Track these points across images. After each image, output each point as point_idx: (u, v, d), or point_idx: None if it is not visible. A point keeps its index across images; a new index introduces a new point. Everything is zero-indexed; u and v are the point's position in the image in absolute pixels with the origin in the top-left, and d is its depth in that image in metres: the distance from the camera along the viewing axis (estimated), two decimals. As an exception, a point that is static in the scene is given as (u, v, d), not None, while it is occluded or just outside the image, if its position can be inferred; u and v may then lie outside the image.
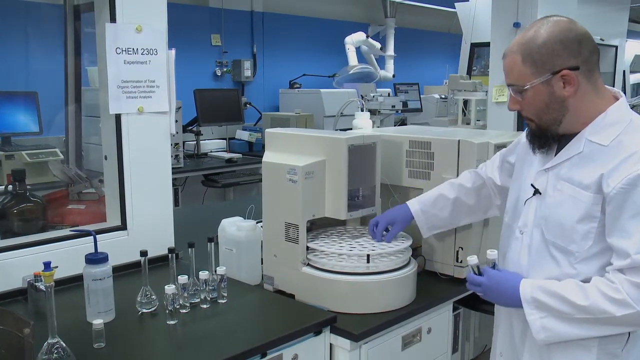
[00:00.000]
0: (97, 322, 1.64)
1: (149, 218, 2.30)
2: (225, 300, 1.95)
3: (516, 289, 1.56)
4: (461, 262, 2.17)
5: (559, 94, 1.51)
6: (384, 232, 2.02)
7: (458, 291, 2.16)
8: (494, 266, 1.66)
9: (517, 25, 4.25)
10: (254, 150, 5.80)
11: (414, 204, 2.04)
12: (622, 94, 1.59)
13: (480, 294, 1.67)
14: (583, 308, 1.47)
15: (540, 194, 1.62)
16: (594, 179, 1.49)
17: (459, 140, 2.15)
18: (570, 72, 1.48)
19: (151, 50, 2.22)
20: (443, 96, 7.15)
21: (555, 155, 1.60)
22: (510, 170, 1.85)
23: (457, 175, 2.14)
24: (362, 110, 3.13)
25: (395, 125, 6.29)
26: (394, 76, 7.81)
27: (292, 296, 2.03)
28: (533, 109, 1.56)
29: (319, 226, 2.17)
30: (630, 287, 1.42)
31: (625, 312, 1.42)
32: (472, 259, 1.66)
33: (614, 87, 1.65)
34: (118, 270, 2.05)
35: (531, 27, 1.54)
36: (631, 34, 7.53)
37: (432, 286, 2.16)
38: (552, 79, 1.50)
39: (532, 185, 1.64)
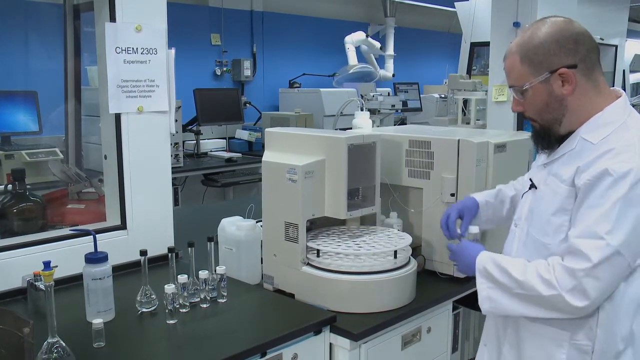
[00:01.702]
0: (97, 321, 1.64)
1: (148, 217, 2.30)
2: (225, 300, 1.95)
3: (474, 258, 1.64)
4: (461, 261, 2.17)
5: (557, 93, 1.52)
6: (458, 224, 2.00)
7: (458, 291, 2.16)
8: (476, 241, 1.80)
9: (516, 24, 4.24)
10: (254, 150, 5.80)
11: (477, 195, 2.02)
12: (623, 93, 1.59)
13: (452, 261, 1.83)
14: (519, 283, 1.53)
15: (535, 188, 1.65)
16: (572, 172, 1.51)
17: (458, 140, 2.15)
18: (568, 70, 1.50)
19: (151, 50, 2.22)
20: (443, 96, 7.15)
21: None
22: None
23: (457, 175, 2.14)
24: (361, 110, 3.13)
25: (395, 125, 6.29)
26: (393, 75, 7.81)
27: (291, 296, 2.03)
28: (534, 109, 1.58)
29: (319, 225, 2.17)
30: (561, 271, 1.46)
31: (550, 292, 1.47)
32: (474, 228, 1.85)
33: (613, 86, 1.66)
34: (118, 270, 2.05)
35: (529, 28, 1.56)
36: (631, 34, 7.52)
37: (431, 286, 2.16)
38: (551, 78, 1.51)
39: (530, 179, 1.69)
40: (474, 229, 1.84)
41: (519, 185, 1.99)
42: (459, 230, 1.95)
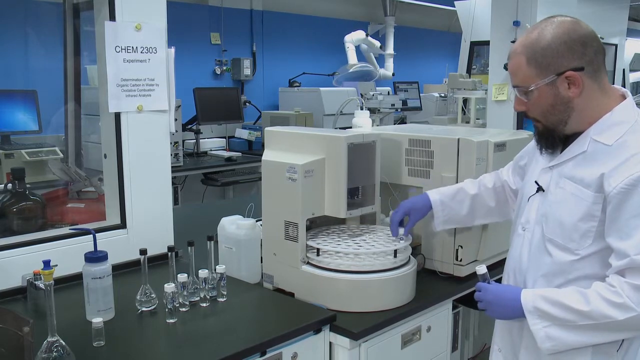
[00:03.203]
0: (97, 320, 1.64)
1: (148, 216, 2.30)
2: (224, 299, 1.95)
3: (517, 301, 1.55)
4: (461, 260, 2.17)
5: (564, 95, 1.51)
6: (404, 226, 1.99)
7: (457, 289, 2.16)
8: (485, 281, 1.67)
9: (516, 23, 4.25)
10: (254, 149, 5.81)
11: (433, 194, 2.02)
12: (629, 93, 1.59)
13: (482, 309, 1.68)
14: (585, 314, 1.46)
15: (543, 191, 1.62)
16: (595, 177, 1.49)
17: (458, 139, 2.15)
18: (575, 73, 1.48)
19: (151, 49, 2.22)
20: (442, 95, 7.15)
21: (561, 153, 1.60)
22: (522, 174, 1.86)
23: (457, 174, 2.14)
24: (361, 109, 3.14)
25: (394, 124, 6.29)
26: (393, 75, 7.80)
27: (291, 295, 2.03)
28: (539, 110, 1.56)
29: (319, 224, 2.17)
30: (631, 290, 1.41)
31: (627, 315, 1.41)
32: (481, 269, 1.68)
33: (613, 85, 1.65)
34: (118, 269, 2.05)
35: (535, 28, 1.53)
36: (631, 33, 7.51)
37: (431, 285, 2.16)
38: (557, 80, 1.50)
39: (535, 182, 1.65)
40: (481, 270, 1.67)
41: (486, 181, 1.99)
42: (401, 231, 1.97)
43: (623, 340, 1.54)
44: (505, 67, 4.31)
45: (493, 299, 1.63)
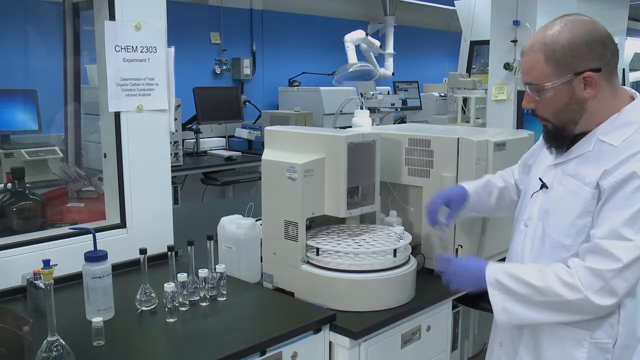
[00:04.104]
0: (97, 319, 1.64)
1: (148, 216, 2.30)
2: (224, 298, 1.95)
3: (482, 272, 1.60)
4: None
5: (579, 95, 1.51)
6: (443, 214, 1.96)
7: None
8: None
9: (516, 23, 4.25)
10: (254, 148, 5.81)
11: (467, 184, 2.00)
12: (638, 94, 1.58)
13: (446, 281, 1.73)
14: (539, 289, 1.50)
15: (547, 188, 1.63)
16: (597, 175, 1.49)
17: (458, 138, 2.15)
18: (593, 74, 1.48)
19: (150, 48, 2.22)
20: (442, 94, 7.16)
21: (566, 151, 1.60)
22: (528, 173, 1.85)
23: (457, 174, 2.14)
24: (361, 108, 3.14)
25: (394, 123, 6.29)
26: (393, 74, 7.80)
27: (291, 294, 2.03)
28: (551, 109, 1.55)
29: (319, 224, 2.17)
30: (585, 273, 1.45)
31: (575, 296, 1.45)
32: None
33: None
34: (117, 268, 2.06)
35: (553, 26, 1.52)
36: (631, 32, 7.51)
37: (431, 284, 2.15)
38: (574, 80, 1.49)
39: (539, 179, 1.66)
40: None
41: (507, 176, 2.00)
42: (443, 220, 1.95)
43: (618, 335, 1.54)
44: (505, 67, 4.32)
45: (458, 269, 1.69)
